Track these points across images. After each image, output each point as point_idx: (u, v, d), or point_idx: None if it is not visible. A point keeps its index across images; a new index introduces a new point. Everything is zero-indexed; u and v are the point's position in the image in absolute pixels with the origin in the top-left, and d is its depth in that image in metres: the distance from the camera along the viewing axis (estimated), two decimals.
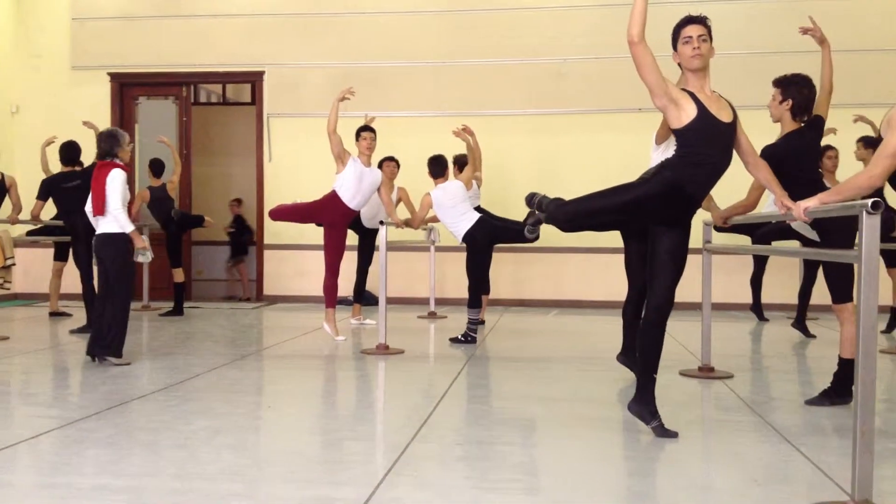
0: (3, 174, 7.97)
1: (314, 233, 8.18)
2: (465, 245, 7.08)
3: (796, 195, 3.71)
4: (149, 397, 4.66)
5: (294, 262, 10.54)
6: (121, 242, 5.67)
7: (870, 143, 6.97)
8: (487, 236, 6.97)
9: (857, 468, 2.77)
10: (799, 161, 4.44)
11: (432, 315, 8.97)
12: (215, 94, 12.92)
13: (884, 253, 6.54)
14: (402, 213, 8.17)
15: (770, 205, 6.90)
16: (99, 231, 5.75)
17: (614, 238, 5.25)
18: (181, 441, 3.70)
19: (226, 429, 3.96)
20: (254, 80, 10.91)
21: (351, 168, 6.80)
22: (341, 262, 7.03)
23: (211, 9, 10.67)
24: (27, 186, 8.34)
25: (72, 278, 7.98)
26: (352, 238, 7.62)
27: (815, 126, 4.61)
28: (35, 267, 10.24)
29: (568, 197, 4.05)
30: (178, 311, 8.90)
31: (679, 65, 3.76)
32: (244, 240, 11.76)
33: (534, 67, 10.11)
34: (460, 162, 7.72)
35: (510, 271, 10.07)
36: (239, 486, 3.08)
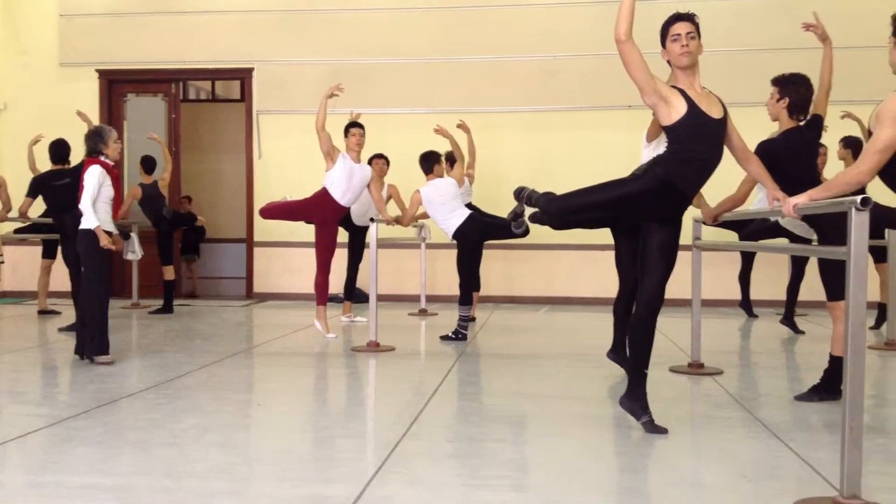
0: None
1: (304, 230, 8.15)
2: (455, 242, 7.08)
3: (794, 194, 3.70)
4: (138, 395, 4.64)
5: (284, 260, 10.51)
6: (92, 238, 5.65)
7: (849, 144, 7.02)
8: (478, 233, 6.97)
9: (846, 464, 2.78)
10: (797, 159, 4.44)
11: (423, 312, 8.96)
12: (204, 90, 12.88)
13: (871, 249, 6.57)
14: (393, 210, 8.16)
15: (759, 202, 6.93)
16: (80, 227, 5.74)
17: (605, 235, 5.25)
18: (171, 439, 3.69)
19: (215, 427, 3.95)
20: (243, 76, 10.87)
21: (341, 165, 6.79)
22: (332, 259, 7.03)
23: (200, 5, 10.61)
24: (15, 184, 8.30)
25: (60, 276, 7.94)
26: (342, 235, 7.61)
27: (815, 125, 4.63)
28: (23, 265, 10.19)
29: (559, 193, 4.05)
30: (167, 308, 8.87)
31: (668, 62, 3.77)
32: (193, 238, 11.44)
33: (526, 64, 10.11)
34: (452, 159, 7.70)
35: (501, 268, 10.07)
36: (229, 485, 3.08)
